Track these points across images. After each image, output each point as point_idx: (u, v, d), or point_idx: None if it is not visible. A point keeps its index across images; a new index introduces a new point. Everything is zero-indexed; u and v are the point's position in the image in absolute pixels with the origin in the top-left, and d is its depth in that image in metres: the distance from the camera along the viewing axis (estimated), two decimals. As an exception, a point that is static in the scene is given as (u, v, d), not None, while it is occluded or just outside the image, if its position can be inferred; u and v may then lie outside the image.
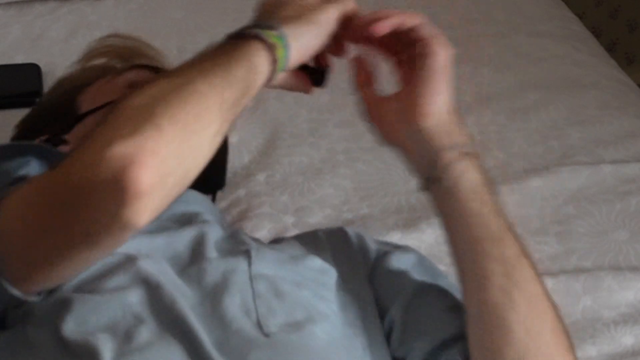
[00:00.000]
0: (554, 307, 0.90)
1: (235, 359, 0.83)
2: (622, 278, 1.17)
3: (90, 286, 0.87)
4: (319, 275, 0.97)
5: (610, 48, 2.63)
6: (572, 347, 0.90)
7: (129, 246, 0.86)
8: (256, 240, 1.06)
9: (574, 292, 1.16)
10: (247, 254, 0.95)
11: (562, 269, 1.20)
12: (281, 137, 1.44)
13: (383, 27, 0.91)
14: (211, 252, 0.96)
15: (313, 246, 1.03)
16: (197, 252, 0.96)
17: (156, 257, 0.93)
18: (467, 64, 1.65)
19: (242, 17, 1.91)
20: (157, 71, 1.15)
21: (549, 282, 1.16)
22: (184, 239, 0.97)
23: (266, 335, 0.86)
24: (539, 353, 0.87)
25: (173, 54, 1.70)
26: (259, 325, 0.87)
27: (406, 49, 0.94)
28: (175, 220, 1.01)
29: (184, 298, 0.88)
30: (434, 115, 0.91)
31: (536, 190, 1.33)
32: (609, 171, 1.35)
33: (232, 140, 1.45)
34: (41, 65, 1.62)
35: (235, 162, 1.40)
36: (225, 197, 1.33)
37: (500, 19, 1.82)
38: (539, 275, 0.91)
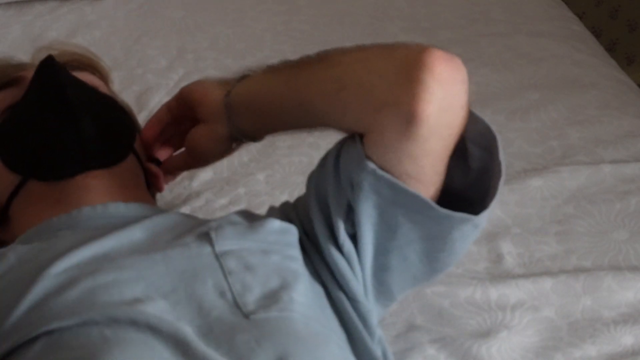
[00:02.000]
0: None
1: (222, 345, 0.84)
2: (622, 278, 1.17)
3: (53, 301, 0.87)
4: (282, 236, 0.97)
5: (610, 48, 2.64)
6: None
7: (82, 255, 0.90)
8: (212, 219, 1.04)
9: (574, 292, 1.16)
10: (207, 236, 0.95)
11: (562, 268, 1.20)
12: (281, 137, 1.44)
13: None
14: (170, 239, 0.95)
15: (267, 214, 1.04)
16: (155, 241, 0.95)
17: (117, 256, 0.92)
18: (467, 64, 1.64)
19: (242, 17, 1.93)
20: (10, 84, 1.14)
21: (549, 282, 1.17)
22: (136, 233, 0.96)
23: (246, 316, 0.87)
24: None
25: (173, 54, 1.71)
26: (237, 305, 0.88)
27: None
28: (117, 223, 1.00)
29: (155, 288, 0.88)
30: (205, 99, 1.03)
31: (536, 190, 1.33)
32: (608, 171, 1.35)
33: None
34: (41, 65, 1.61)
35: (234, 160, 1.40)
36: (225, 195, 1.33)
37: (500, 19, 1.82)
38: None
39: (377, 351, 0.95)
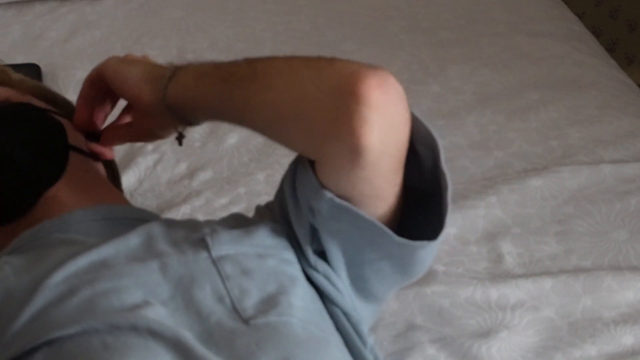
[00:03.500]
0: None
1: (223, 349, 0.83)
2: (622, 278, 1.17)
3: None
4: (277, 239, 0.97)
5: (610, 48, 2.64)
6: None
7: (80, 264, 0.89)
8: (207, 222, 1.03)
9: (574, 292, 1.16)
10: (202, 242, 0.94)
11: (562, 269, 1.20)
12: (281, 137, 1.44)
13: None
14: (166, 246, 0.95)
15: (258, 215, 1.03)
16: (151, 248, 0.95)
17: (114, 264, 0.92)
18: (467, 64, 1.65)
19: (242, 17, 1.93)
20: None
21: (549, 282, 1.17)
22: (132, 240, 0.95)
23: (245, 321, 0.86)
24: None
25: (173, 54, 1.71)
26: (236, 310, 0.88)
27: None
28: (110, 225, 1.00)
29: (153, 295, 0.88)
30: (139, 97, 0.99)
31: (536, 190, 1.33)
32: (608, 171, 1.35)
33: (232, 140, 1.45)
34: (41, 65, 1.62)
35: (234, 160, 1.40)
36: (225, 195, 1.33)
37: (500, 19, 1.82)
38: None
39: (370, 359, 0.95)
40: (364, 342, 0.95)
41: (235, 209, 1.30)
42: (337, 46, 1.72)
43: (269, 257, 0.95)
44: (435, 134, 0.93)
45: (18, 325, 0.85)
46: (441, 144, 0.92)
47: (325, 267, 0.95)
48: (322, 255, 0.96)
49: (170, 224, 1.01)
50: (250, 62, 0.94)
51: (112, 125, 1.10)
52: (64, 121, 1.08)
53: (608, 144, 1.42)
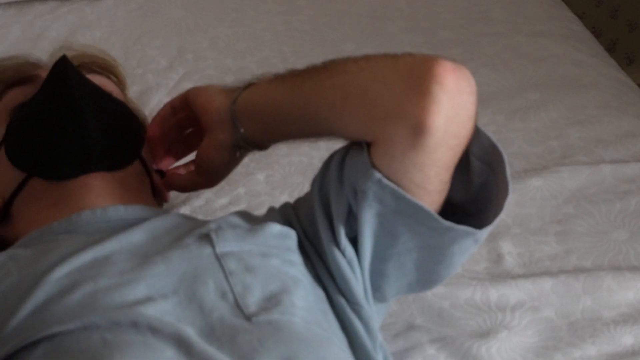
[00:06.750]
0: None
1: (225, 345, 0.84)
2: (622, 278, 1.17)
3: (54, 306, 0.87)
4: (282, 241, 0.97)
5: (610, 48, 2.64)
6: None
7: (83, 259, 0.90)
8: (213, 220, 1.03)
9: (574, 292, 1.16)
10: (207, 238, 0.95)
11: (561, 268, 1.20)
12: (281, 137, 1.44)
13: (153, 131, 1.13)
14: (170, 241, 0.95)
15: (267, 215, 1.04)
16: (155, 243, 0.95)
17: (118, 259, 0.92)
18: (467, 64, 1.64)
19: (242, 17, 1.93)
20: (25, 81, 1.15)
21: (549, 282, 1.17)
22: (136, 236, 0.96)
23: (248, 318, 0.87)
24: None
25: (173, 54, 1.71)
26: (239, 307, 0.88)
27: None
28: (117, 226, 1.00)
29: (155, 290, 0.88)
30: (210, 106, 1.03)
31: (536, 190, 1.33)
32: (608, 171, 1.35)
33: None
34: (41, 65, 1.61)
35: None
36: (225, 195, 1.33)
37: (500, 19, 1.82)
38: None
39: (379, 357, 0.95)
40: (373, 338, 0.95)
41: (235, 210, 1.30)
42: (337, 46, 1.72)
43: (273, 257, 0.95)
44: (501, 148, 0.94)
45: (18, 319, 0.86)
46: (506, 158, 0.93)
47: (352, 254, 0.95)
48: (351, 243, 0.96)
49: (176, 218, 1.01)
50: (327, 60, 0.97)
51: (178, 167, 1.15)
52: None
53: (608, 144, 1.42)
